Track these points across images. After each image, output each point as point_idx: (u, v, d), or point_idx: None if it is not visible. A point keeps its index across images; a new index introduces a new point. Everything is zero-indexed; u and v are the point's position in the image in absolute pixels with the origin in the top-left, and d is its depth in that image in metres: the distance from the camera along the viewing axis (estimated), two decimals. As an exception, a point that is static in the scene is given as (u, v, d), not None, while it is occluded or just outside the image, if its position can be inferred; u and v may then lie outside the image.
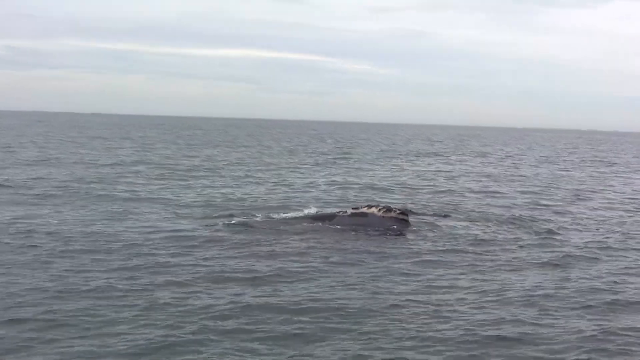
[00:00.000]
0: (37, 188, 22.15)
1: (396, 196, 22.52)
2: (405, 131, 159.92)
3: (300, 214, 17.18)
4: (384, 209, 15.35)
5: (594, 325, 9.16)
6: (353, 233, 14.76)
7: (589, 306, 10.01)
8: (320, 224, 15.30)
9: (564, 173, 36.66)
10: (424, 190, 24.98)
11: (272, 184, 25.91)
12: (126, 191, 22.14)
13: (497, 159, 48.23)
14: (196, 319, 9.04)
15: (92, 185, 23.28)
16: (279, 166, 35.55)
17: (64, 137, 61.41)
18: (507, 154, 55.54)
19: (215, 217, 16.85)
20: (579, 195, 24.91)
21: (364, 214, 15.33)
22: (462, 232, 15.63)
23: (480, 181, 29.87)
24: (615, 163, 48.04)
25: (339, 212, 15.84)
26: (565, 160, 49.65)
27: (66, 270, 11.38)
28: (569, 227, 17.16)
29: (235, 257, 12.59)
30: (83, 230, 14.85)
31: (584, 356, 8.04)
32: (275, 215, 16.70)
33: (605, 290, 10.96)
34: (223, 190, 23.22)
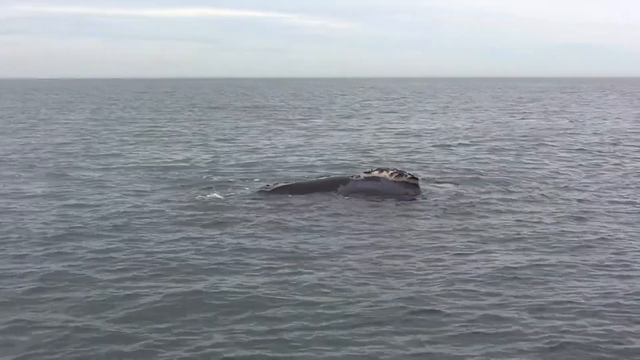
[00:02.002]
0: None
1: (376, 157, 23.90)
2: (362, 85, 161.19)
3: (312, 178, 18.33)
4: (396, 174, 16.28)
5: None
6: (368, 200, 15.71)
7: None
8: (335, 189, 16.31)
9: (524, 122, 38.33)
10: (404, 150, 26.38)
11: (254, 149, 27.09)
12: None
13: (462, 111, 49.95)
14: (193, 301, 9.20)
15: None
16: (247, 128, 36.89)
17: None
18: (474, 107, 57.04)
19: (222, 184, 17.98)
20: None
21: (377, 178, 16.25)
22: (471, 195, 16.58)
23: (462, 136, 31.29)
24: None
25: (352, 176, 16.79)
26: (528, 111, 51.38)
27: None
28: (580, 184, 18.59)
29: (267, 225, 13.48)
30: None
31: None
32: (285, 181, 17.56)
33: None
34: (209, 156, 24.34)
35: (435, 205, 15.48)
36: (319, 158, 24.06)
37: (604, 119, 42.67)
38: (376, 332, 8.19)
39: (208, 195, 16.52)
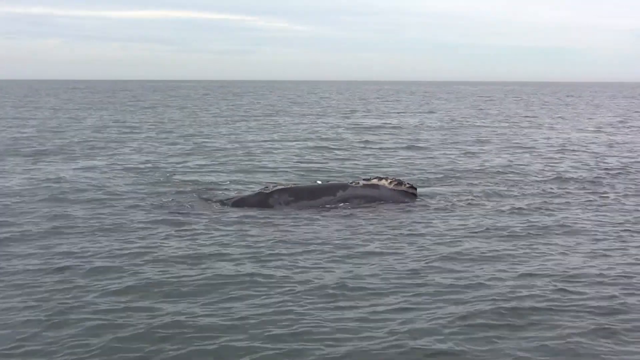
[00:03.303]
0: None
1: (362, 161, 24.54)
2: (329, 88, 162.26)
3: (311, 183, 18.57)
4: (395, 182, 16.68)
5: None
6: (366, 205, 16.00)
7: None
8: (334, 195, 16.46)
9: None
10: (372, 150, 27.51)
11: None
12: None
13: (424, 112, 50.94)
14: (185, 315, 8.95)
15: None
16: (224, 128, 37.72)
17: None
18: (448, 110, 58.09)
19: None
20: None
21: (376, 186, 16.59)
22: (464, 200, 16.97)
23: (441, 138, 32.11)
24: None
25: (351, 182, 17.14)
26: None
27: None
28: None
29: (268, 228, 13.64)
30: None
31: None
32: (283, 185, 17.65)
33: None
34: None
35: (429, 206, 16.16)
36: (291, 158, 25.28)
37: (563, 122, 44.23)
38: (370, 325, 8.60)
39: (203, 197, 16.75)
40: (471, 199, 17.06)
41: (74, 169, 21.84)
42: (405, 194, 16.70)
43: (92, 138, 32.10)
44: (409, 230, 13.83)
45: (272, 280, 10.37)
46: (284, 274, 10.69)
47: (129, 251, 11.90)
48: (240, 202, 16.20)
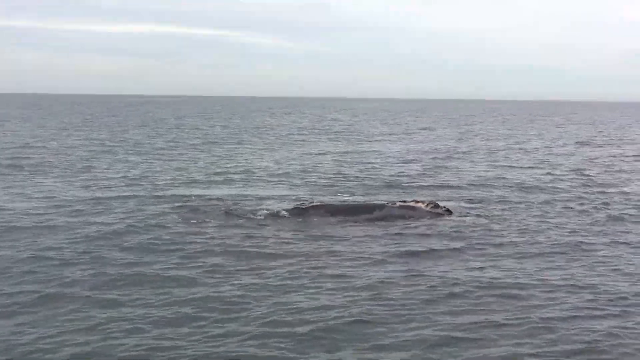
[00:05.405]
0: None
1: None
2: (325, 106, 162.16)
3: (346, 201, 18.95)
4: (432, 205, 17.13)
5: None
6: (402, 224, 15.98)
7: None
8: (371, 213, 16.77)
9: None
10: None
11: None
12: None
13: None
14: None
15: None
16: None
17: None
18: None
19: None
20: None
21: (412, 208, 16.99)
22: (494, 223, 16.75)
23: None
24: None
25: (387, 203, 17.51)
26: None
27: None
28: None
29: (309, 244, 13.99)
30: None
31: None
32: (319, 201, 18.05)
33: None
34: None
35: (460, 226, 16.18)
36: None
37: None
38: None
39: (237, 211, 17.04)
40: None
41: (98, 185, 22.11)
42: (442, 216, 16.97)
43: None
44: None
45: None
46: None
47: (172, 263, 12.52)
48: (276, 216, 16.58)
